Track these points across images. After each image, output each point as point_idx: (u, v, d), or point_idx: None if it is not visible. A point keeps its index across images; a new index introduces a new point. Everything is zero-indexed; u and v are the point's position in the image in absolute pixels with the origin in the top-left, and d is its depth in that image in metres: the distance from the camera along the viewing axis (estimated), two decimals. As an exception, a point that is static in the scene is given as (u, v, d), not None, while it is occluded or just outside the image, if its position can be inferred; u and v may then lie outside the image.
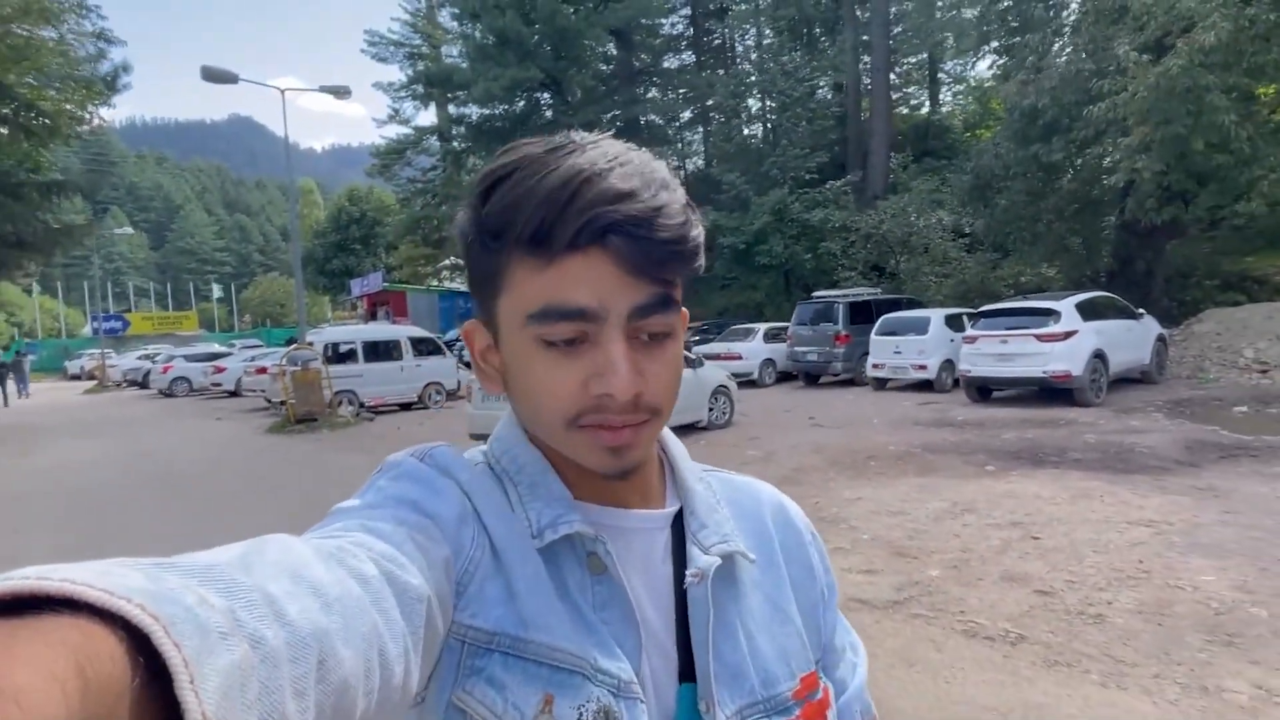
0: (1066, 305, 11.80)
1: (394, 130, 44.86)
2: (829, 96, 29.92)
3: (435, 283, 46.03)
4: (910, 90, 35.84)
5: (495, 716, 0.58)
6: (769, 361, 17.98)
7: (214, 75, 13.46)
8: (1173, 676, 3.34)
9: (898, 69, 32.61)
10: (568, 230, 0.56)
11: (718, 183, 27.34)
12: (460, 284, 46.41)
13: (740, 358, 17.86)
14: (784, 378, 18.31)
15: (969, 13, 18.40)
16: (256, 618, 0.35)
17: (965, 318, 14.33)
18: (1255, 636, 3.68)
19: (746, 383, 17.90)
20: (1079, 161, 14.45)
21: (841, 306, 16.57)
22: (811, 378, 17.25)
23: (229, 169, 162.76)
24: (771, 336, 18.26)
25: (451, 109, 34.55)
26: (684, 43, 38.70)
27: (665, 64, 37.32)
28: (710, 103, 30.39)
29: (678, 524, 0.71)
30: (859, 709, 0.76)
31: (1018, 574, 4.68)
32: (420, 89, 37.86)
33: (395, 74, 36.58)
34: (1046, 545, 5.17)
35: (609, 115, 31.91)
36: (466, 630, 0.59)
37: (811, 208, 25.18)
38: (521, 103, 31.41)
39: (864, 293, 18.14)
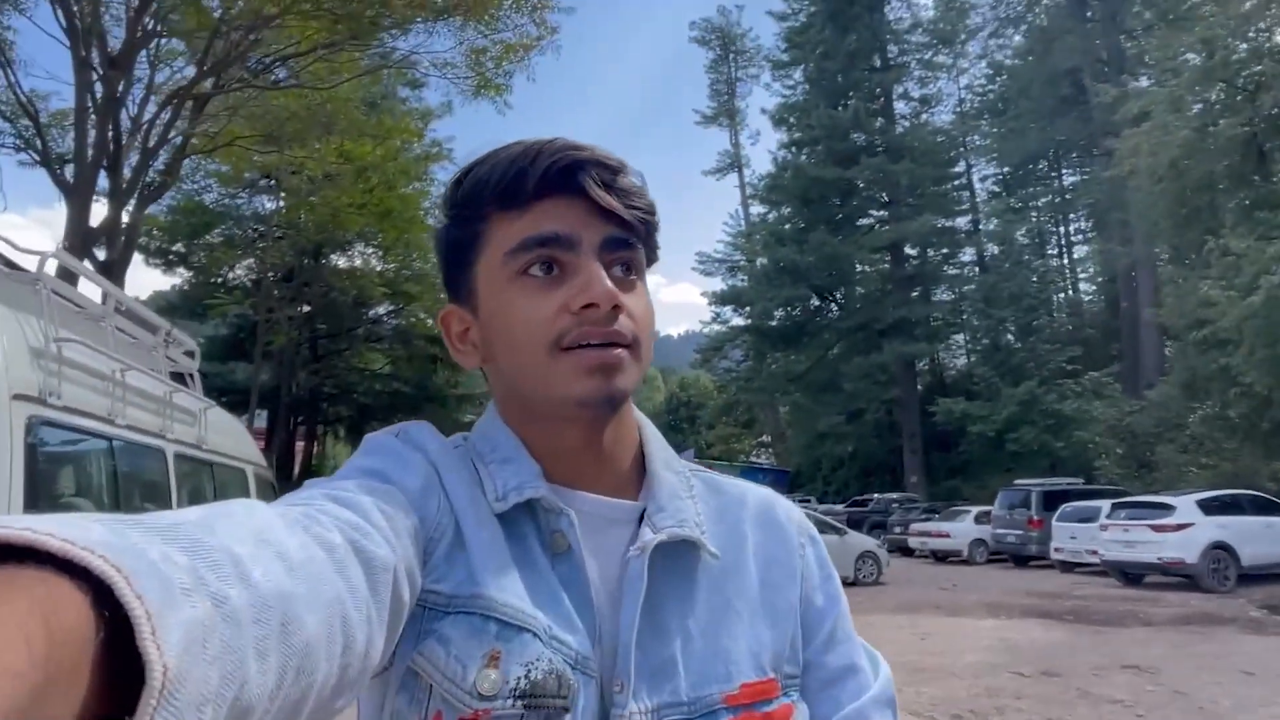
0: (1185, 501, 13.42)
1: (715, 329, 53.70)
2: (1081, 294, 31.24)
3: (743, 459, 52.04)
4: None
5: (439, 671, 0.58)
6: (980, 542, 20.03)
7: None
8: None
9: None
10: (537, 172, 0.62)
11: (970, 375, 29.84)
12: (762, 459, 51.82)
13: (948, 536, 20.28)
14: (1007, 559, 19.98)
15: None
16: (220, 577, 0.35)
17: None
18: (938, 679, 7.12)
19: (959, 561, 20.12)
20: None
21: (1035, 494, 18.59)
22: (1020, 559, 19.03)
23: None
24: (984, 518, 20.38)
25: (741, 321, 41.34)
26: (965, 239, 41.92)
27: (949, 266, 40.79)
28: (964, 302, 33.25)
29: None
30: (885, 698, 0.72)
31: (874, 648, 8.25)
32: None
33: (719, 284, 44.65)
34: (914, 642, 8.54)
35: (886, 317, 36.03)
36: (428, 595, 0.60)
37: (1065, 399, 26.53)
38: (797, 311, 37.13)
39: (1062, 482, 19.75)
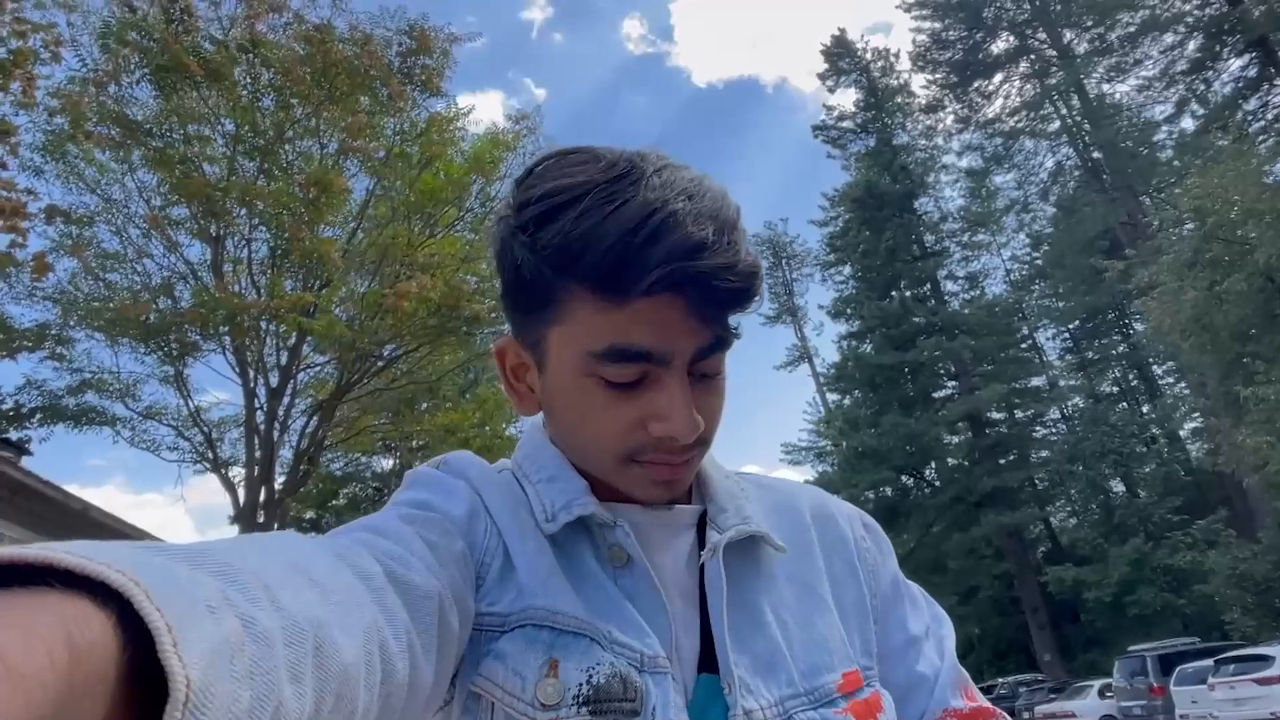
0: (1281, 650, 13.31)
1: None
2: (1168, 441, 30.92)
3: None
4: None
5: (499, 687, 0.57)
6: (1109, 718, 19.19)
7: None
8: None
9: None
10: (644, 280, 0.55)
11: (1074, 540, 29.26)
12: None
13: (1074, 716, 19.53)
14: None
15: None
16: (249, 599, 0.34)
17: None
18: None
19: (1090, 742, 19.21)
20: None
21: (1150, 659, 18.08)
22: (1155, 732, 18.13)
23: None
24: (1110, 691, 19.61)
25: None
26: (1046, 398, 41.94)
27: (1038, 426, 40.71)
28: (1052, 464, 33.12)
29: (705, 524, 0.69)
30: (953, 682, 0.74)
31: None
32: (822, 488, 46.36)
33: (810, 472, 45.12)
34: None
35: (978, 488, 35.90)
36: (483, 618, 0.59)
37: (1176, 552, 25.69)
38: (889, 492, 37.48)
39: (1178, 643, 19.13)
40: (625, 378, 0.59)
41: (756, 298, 0.62)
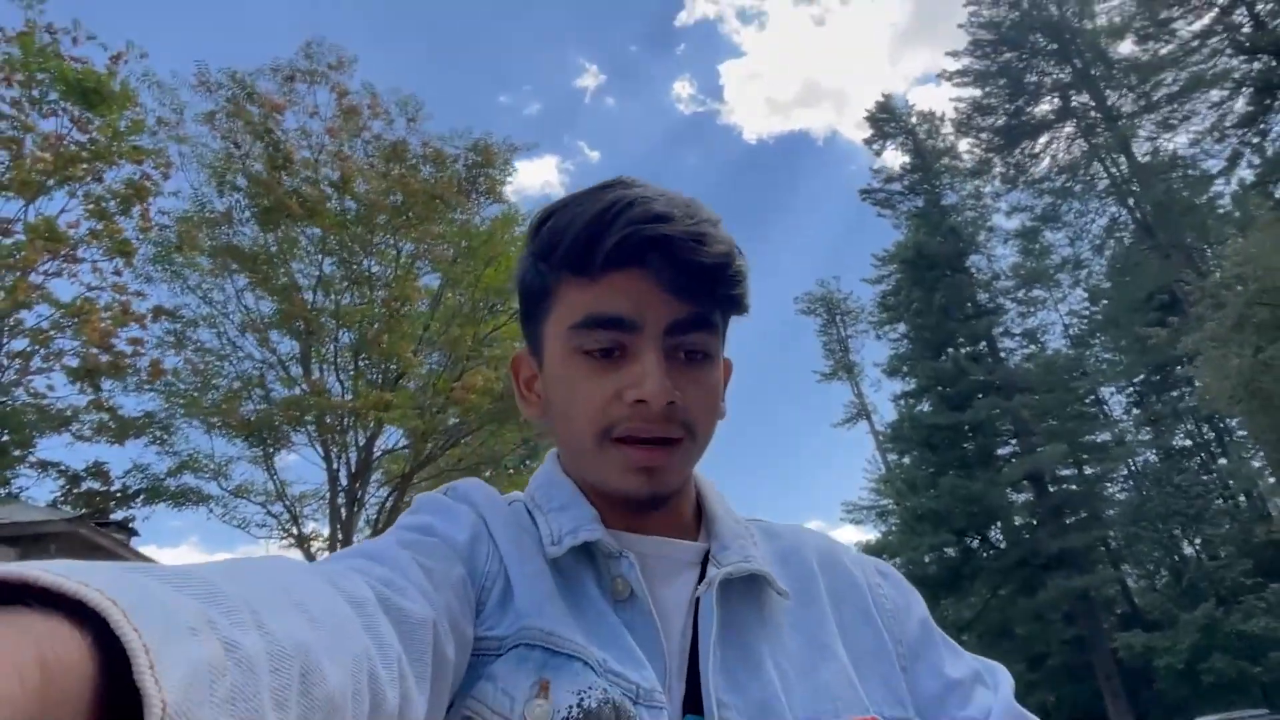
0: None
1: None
2: (1241, 499, 30.11)
3: None
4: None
5: (488, 709, 0.56)
6: (1181, 792, 18.72)
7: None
8: None
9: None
10: (607, 245, 0.60)
11: (1145, 605, 28.52)
12: None
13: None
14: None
15: None
16: (233, 623, 0.33)
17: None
18: None
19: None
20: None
21: (1219, 732, 17.73)
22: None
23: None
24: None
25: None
26: (1112, 455, 40.89)
27: (1106, 484, 39.63)
28: (1116, 526, 32.38)
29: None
30: None
31: None
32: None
33: (874, 531, 44.41)
34: None
35: (1043, 550, 35.12)
36: (481, 642, 0.59)
37: (1250, 617, 24.90)
38: (953, 554, 36.99)
39: (1246, 714, 18.69)
40: (601, 343, 0.62)
41: (736, 284, 0.64)
